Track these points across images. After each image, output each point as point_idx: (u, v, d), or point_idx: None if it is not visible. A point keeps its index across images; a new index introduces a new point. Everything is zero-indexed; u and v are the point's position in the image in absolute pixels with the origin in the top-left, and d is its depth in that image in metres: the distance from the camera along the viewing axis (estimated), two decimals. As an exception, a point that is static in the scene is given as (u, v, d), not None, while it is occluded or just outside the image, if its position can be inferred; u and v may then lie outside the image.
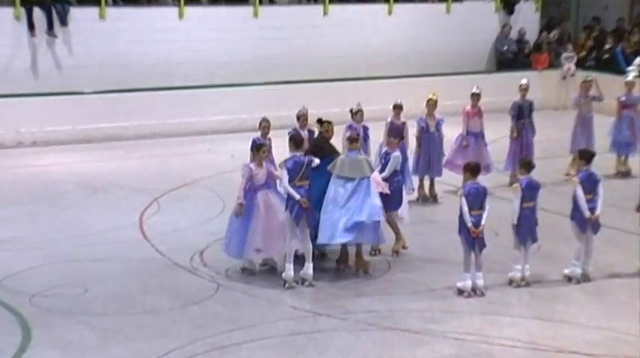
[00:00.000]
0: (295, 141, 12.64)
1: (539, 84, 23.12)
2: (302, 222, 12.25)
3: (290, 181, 12.16)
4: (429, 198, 16.61)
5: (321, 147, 13.16)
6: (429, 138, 16.47)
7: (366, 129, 15.77)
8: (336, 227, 12.39)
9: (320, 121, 13.43)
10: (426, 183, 16.69)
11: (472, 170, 12.44)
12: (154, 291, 12.21)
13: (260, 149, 12.77)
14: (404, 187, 15.15)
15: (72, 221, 15.24)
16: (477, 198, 12.16)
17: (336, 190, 12.50)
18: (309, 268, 12.41)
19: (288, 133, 14.45)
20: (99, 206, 16.15)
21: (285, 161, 12.33)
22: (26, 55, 20.91)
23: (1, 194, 16.71)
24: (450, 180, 16.58)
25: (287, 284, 12.29)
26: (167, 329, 11.05)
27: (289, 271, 12.31)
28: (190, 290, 12.27)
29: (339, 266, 13.02)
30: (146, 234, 14.48)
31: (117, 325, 11.17)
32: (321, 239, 12.51)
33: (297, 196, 12.11)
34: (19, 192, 16.84)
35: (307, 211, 12.22)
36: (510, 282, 12.57)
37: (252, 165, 12.65)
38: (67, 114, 20.74)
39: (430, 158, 16.50)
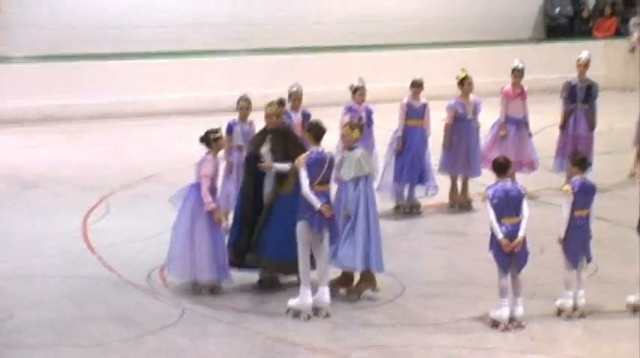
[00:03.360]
0: (315, 132, 12.49)
1: (600, 57, 23.13)
2: (323, 237, 12.30)
3: (309, 184, 12.26)
4: (460, 204, 16.63)
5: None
6: (466, 126, 16.49)
7: (369, 111, 15.88)
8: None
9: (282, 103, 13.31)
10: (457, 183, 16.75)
11: (498, 167, 12.32)
12: (100, 318, 12.13)
13: (217, 138, 12.83)
14: (425, 188, 15.34)
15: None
16: (508, 203, 12.05)
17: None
18: (324, 294, 12.37)
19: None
20: (29, 207, 16.24)
21: (305, 158, 12.30)
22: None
23: None
24: (487, 180, 16.47)
25: (304, 315, 12.24)
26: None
27: (307, 298, 12.30)
28: (147, 316, 12.22)
29: (338, 288, 13.06)
30: (91, 244, 14.50)
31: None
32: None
33: (318, 204, 12.12)
34: None
35: (330, 222, 12.26)
36: (559, 312, 12.50)
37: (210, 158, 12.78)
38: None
39: (466, 152, 16.53)
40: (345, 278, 12.94)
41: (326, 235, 12.26)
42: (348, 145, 12.63)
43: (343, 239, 12.47)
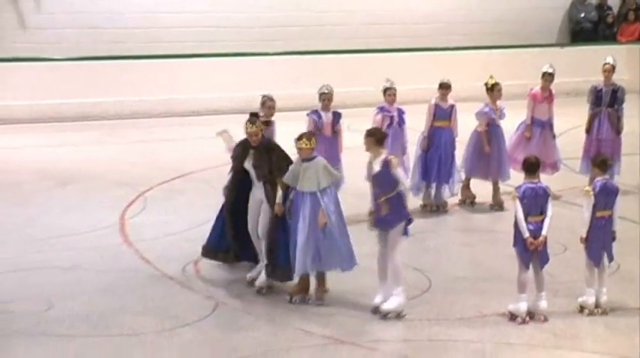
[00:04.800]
0: (378, 136, 12.43)
1: (624, 61, 23.08)
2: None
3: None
4: (496, 205, 16.60)
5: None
6: (495, 132, 16.55)
7: (401, 112, 15.89)
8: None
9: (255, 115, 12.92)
10: (483, 184, 16.77)
11: (529, 166, 12.36)
12: (135, 310, 12.21)
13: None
14: (448, 187, 15.46)
15: (30, 220, 15.35)
16: (535, 202, 12.09)
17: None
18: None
19: (307, 115, 14.69)
20: (67, 202, 16.28)
21: (398, 161, 12.52)
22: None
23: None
24: (511, 180, 16.54)
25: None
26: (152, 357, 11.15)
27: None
28: (182, 308, 12.27)
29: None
30: (128, 238, 14.59)
31: (88, 351, 11.20)
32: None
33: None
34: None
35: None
36: (581, 309, 12.49)
37: None
38: (29, 86, 20.89)
39: (498, 154, 16.57)
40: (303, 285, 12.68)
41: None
42: (306, 156, 12.16)
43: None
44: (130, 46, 21.97)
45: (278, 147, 12.76)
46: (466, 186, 16.74)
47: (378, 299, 12.36)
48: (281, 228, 12.33)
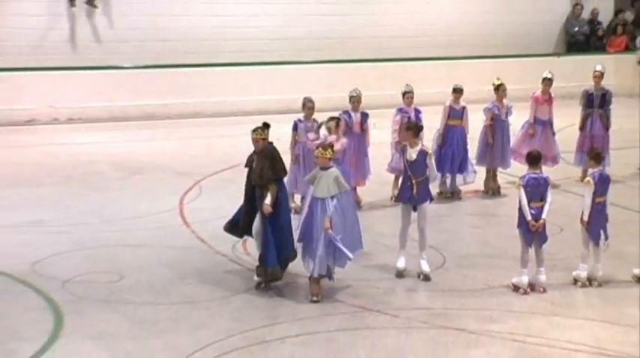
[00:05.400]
0: (415, 130, 12.56)
1: (612, 68, 22.90)
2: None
3: None
4: (491, 191, 16.56)
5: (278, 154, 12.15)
6: (500, 126, 16.43)
7: (418, 112, 15.72)
8: None
9: (266, 125, 12.07)
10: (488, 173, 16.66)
11: (532, 159, 12.36)
12: (192, 281, 12.23)
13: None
14: (463, 177, 15.27)
15: (106, 204, 15.39)
16: (536, 190, 12.11)
17: None
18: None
19: (339, 115, 14.61)
20: (136, 189, 16.31)
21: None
22: (64, 26, 21.13)
23: (31, 173, 16.93)
24: (515, 171, 16.45)
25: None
26: (205, 322, 11.07)
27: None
28: (231, 280, 12.29)
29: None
30: (186, 220, 14.55)
31: (153, 315, 11.20)
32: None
33: None
34: (50, 172, 17.05)
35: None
36: (575, 282, 12.45)
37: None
38: (106, 90, 20.96)
39: (502, 147, 16.49)
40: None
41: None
42: (322, 165, 11.68)
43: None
44: (195, 56, 21.89)
45: (273, 156, 11.97)
46: (488, 178, 16.60)
47: (400, 264, 12.62)
48: (270, 229, 11.81)
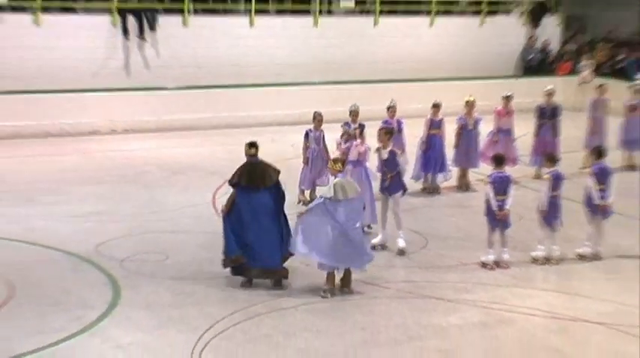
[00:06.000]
0: (387, 131, 12.89)
1: (560, 88, 22.70)
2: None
3: None
4: (464, 187, 16.36)
5: (266, 167, 11.42)
6: (468, 134, 16.23)
7: (399, 122, 15.62)
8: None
9: (252, 144, 11.43)
10: (461, 173, 16.49)
11: (497, 160, 12.36)
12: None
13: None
14: (442, 176, 15.22)
15: (153, 198, 15.27)
16: (501, 185, 12.08)
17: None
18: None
19: (341, 126, 14.54)
20: (177, 186, 16.20)
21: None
22: (120, 56, 21.07)
23: (95, 173, 16.85)
24: (483, 171, 16.33)
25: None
26: (232, 294, 11.01)
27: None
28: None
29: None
30: (217, 211, 14.35)
31: (191, 288, 11.15)
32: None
33: None
34: (109, 173, 16.94)
35: None
36: (534, 260, 12.39)
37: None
38: (153, 107, 20.92)
39: (468, 152, 16.30)
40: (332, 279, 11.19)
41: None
42: (333, 174, 11.16)
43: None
44: (224, 79, 21.81)
45: (262, 164, 11.35)
46: (461, 177, 16.41)
47: (376, 240, 12.68)
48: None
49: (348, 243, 10.86)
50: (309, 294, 11.06)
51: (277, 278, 11.20)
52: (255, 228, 11.05)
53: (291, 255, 11.14)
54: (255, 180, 11.17)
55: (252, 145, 11.38)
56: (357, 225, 11.07)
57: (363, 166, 13.39)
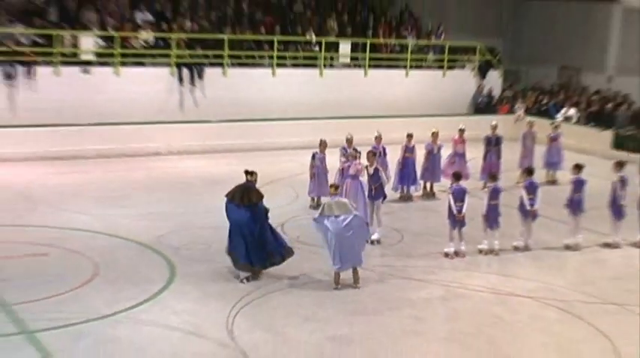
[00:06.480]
0: (375, 155, 12.85)
1: (501, 123, 22.59)
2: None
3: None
4: (430, 196, 16.30)
5: (250, 191, 10.88)
6: (433, 157, 16.20)
7: (384, 148, 15.54)
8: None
9: (247, 172, 11.01)
10: (428, 185, 16.47)
11: (456, 176, 12.33)
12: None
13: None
14: (414, 188, 15.19)
15: (198, 202, 15.17)
16: (459, 195, 12.05)
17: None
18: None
19: (339, 150, 14.47)
20: (214, 194, 15.83)
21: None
22: (176, 97, 21.08)
23: (157, 184, 16.78)
24: (444, 184, 16.30)
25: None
26: (255, 275, 10.93)
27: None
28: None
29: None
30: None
31: (227, 270, 11.07)
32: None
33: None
34: (166, 183, 16.86)
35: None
36: (480, 251, 12.38)
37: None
38: (200, 135, 20.87)
39: (433, 170, 16.26)
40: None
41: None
42: (330, 195, 10.82)
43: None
44: (254, 114, 21.74)
45: (252, 186, 10.85)
46: (427, 188, 16.40)
47: (375, 236, 12.49)
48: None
49: (349, 247, 10.52)
50: (314, 278, 10.99)
51: (255, 274, 10.76)
52: (235, 234, 10.68)
53: (281, 254, 10.71)
54: (239, 198, 10.73)
55: (247, 172, 10.92)
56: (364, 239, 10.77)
57: (359, 180, 13.26)
